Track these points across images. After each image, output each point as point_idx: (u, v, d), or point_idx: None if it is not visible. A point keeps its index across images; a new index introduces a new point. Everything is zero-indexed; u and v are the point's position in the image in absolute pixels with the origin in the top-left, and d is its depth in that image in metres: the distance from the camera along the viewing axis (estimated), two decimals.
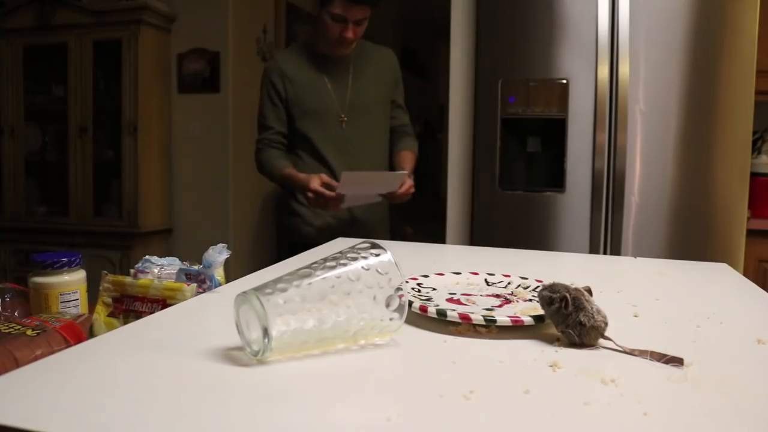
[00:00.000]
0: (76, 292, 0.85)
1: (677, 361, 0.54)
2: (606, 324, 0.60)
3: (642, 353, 0.56)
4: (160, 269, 0.86)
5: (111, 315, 0.78)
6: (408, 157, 1.83)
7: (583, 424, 0.42)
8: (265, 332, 0.51)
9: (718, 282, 0.92)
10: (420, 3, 5.91)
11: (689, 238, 1.88)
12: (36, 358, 0.61)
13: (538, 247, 1.30)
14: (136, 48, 3.01)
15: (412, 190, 1.68)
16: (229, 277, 0.85)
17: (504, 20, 2.01)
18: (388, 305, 0.57)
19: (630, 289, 0.87)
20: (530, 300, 0.75)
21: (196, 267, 0.83)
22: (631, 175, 1.90)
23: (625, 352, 0.57)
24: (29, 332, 0.67)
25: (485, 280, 0.85)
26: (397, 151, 1.86)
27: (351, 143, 1.77)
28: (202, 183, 3.30)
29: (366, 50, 1.83)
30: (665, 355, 0.54)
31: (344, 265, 0.56)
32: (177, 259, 0.90)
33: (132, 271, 0.86)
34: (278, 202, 1.98)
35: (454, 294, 0.77)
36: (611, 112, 1.89)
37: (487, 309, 0.70)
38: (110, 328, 0.75)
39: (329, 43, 1.71)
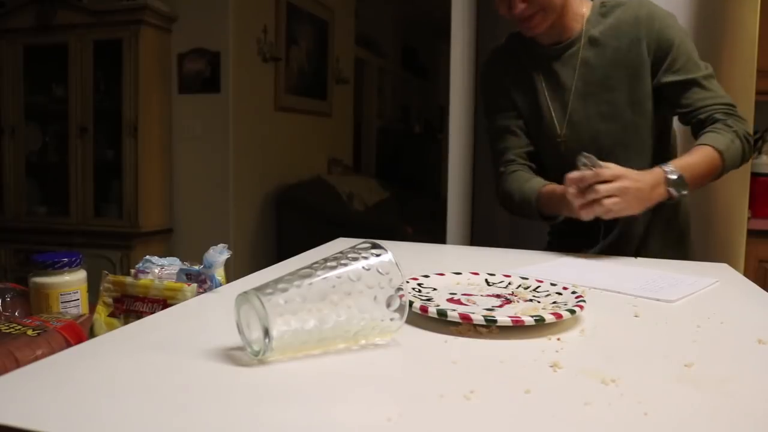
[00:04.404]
0: (77, 292, 0.85)
1: None
2: None
3: None
4: (160, 269, 0.86)
5: (112, 315, 0.78)
6: (696, 154, 1.10)
7: (584, 424, 0.42)
8: (266, 332, 0.51)
9: (719, 282, 0.92)
10: (420, 3, 5.91)
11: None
12: (36, 358, 0.61)
13: (538, 247, 1.30)
14: (136, 48, 3.01)
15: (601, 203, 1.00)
16: (230, 277, 0.85)
17: (504, 20, 2.01)
18: (388, 305, 0.57)
19: None
20: (530, 300, 0.75)
21: (196, 267, 0.83)
22: None
23: None
24: (30, 332, 0.67)
25: (486, 280, 0.85)
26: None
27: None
28: (202, 183, 3.30)
29: (603, 18, 1.19)
30: None
31: (345, 265, 0.56)
32: (177, 259, 0.89)
33: (132, 271, 0.86)
34: None
35: (455, 294, 0.77)
36: None
37: (488, 309, 0.70)
38: (111, 328, 0.75)
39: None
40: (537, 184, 1.20)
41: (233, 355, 0.54)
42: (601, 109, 1.20)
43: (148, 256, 0.89)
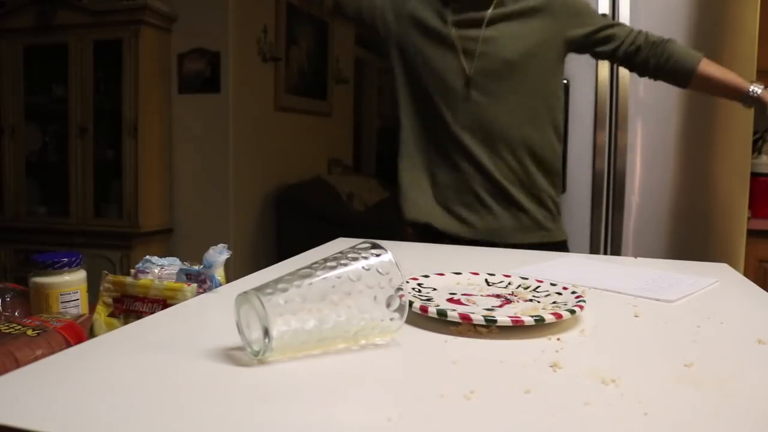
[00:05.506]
0: (77, 292, 0.85)
1: None
2: None
3: None
4: (160, 269, 0.86)
5: (111, 315, 0.78)
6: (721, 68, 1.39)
7: (584, 424, 0.42)
8: (266, 332, 0.51)
9: (719, 282, 0.92)
10: None
11: (689, 238, 1.88)
12: (36, 358, 0.61)
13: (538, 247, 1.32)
14: (136, 48, 3.01)
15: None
16: (230, 277, 0.85)
17: None
18: (388, 305, 0.57)
19: None
20: (530, 300, 0.75)
21: (196, 267, 0.83)
22: (631, 175, 1.90)
23: None
24: (30, 332, 0.67)
25: (486, 280, 0.85)
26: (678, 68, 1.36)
27: (484, 120, 1.31)
28: (202, 183, 3.30)
29: None
30: None
31: (345, 265, 0.56)
32: (177, 259, 0.89)
33: (132, 271, 0.86)
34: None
35: (455, 294, 0.77)
36: (611, 112, 1.89)
37: (488, 309, 0.70)
38: (111, 328, 0.75)
39: None
40: None
41: (233, 355, 0.54)
42: (505, 60, 1.32)
43: (148, 256, 0.89)
